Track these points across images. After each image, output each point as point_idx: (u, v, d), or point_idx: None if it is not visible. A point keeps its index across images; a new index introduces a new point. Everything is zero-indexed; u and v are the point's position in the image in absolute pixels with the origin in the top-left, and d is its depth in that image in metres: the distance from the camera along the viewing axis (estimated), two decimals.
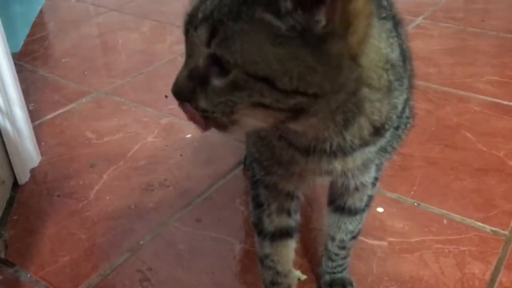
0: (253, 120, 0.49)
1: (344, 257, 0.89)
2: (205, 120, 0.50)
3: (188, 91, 0.47)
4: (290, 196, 0.75)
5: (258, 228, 0.80)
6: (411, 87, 0.63)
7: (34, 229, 1.09)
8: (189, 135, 1.40)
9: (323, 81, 0.45)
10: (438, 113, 1.45)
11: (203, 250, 1.04)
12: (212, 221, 1.11)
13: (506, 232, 1.04)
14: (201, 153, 1.33)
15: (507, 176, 1.19)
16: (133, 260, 1.01)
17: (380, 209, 1.11)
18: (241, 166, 1.26)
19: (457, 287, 0.93)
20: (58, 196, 1.19)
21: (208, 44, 0.44)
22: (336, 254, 0.88)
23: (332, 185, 0.80)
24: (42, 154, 1.32)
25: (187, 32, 0.47)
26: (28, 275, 0.98)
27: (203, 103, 0.48)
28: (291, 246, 0.81)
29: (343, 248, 0.87)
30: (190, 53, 0.47)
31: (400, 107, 0.59)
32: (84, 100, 1.57)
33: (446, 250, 1.00)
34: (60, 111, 1.52)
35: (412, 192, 1.16)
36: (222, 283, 0.96)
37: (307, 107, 0.48)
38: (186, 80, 0.47)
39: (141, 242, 1.05)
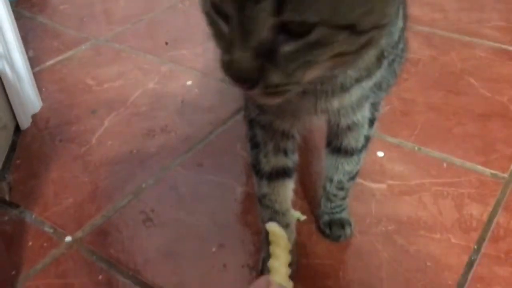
0: (318, 73, 0.45)
1: (343, 198, 0.90)
2: (275, 95, 0.44)
3: (256, 71, 0.41)
4: (286, 135, 0.76)
5: (255, 168, 0.81)
6: (405, 16, 0.62)
7: (37, 172, 1.10)
8: (189, 82, 1.39)
9: (391, 9, 0.44)
10: (442, 59, 1.43)
11: (204, 193, 1.05)
12: (214, 165, 1.12)
13: (506, 175, 1.05)
14: (202, 99, 1.33)
15: (510, 121, 1.19)
16: (136, 202, 1.03)
17: (380, 154, 1.11)
18: (242, 112, 1.26)
19: (455, 227, 0.94)
20: (60, 141, 1.19)
21: (279, 13, 0.39)
22: (335, 195, 0.89)
23: (329, 126, 0.80)
24: (43, 100, 1.31)
25: (240, 9, 0.40)
26: (33, 216, 1.00)
27: (276, 78, 0.42)
28: (289, 186, 0.82)
29: (342, 189, 0.87)
30: (246, 29, 0.40)
31: (395, 35, 0.58)
32: (83, 47, 1.55)
33: (445, 192, 1.01)
34: (60, 58, 1.50)
35: (413, 137, 1.16)
36: (223, 224, 0.98)
37: (376, 41, 0.46)
38: (250, 60, 0.40)
39: (143, 186, 1.07)
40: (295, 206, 0.97)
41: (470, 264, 0.88)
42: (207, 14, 0.46)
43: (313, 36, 0.40)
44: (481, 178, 1.04)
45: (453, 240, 0.92)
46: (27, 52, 1.30)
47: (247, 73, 0.41)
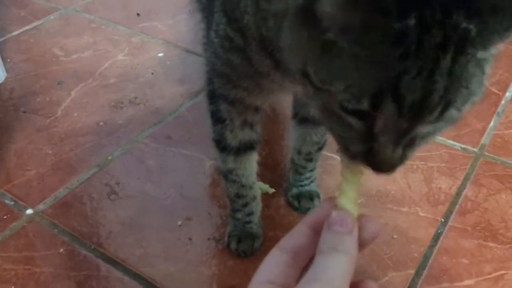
0: None
1: (312, 170, 0.89)
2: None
3: (401, 159, 0.43)
4: (257, 110, 0.73)
5: (220, 145, 0.78)
6: None
7: None
8: (161, 54, 1.35)
9: None
10: None
11: (172, 166, 1.03)
12: (183, 138, 1.09)
13: (476, 149, 1.04)
14: (174, 72, 1.29)
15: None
16: (101, 174, 1.00)
17: None
18: (205, 91, 1.23)
19: (423, 201, 0.94)
20: (24, 112, 1.15)
21: (442, 115, 0.39)
22: (304, 167, 0.88)
23: (295, 97, 0.78)
24: (7, 70, 1.27)
25: (402, 118, 0.39)
26: None
27: (411, 155, 0.44)
28: (254, 159, 0.80)
29: (310, 160, 0.86)
30: (403, 135, 0.40)
31: None
32: (52, 17, 1.50)
33: (415, 166, 1.01)
34: (27, 27, 1.45)
35: None
36: (191, 197, 0.96)
37: None
38: (399, 154, 0.42)
39: (109, 158, 1.04)
40: (263, 179, 0.96)
41: (436, 237, 0.87)
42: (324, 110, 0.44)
43: (457, 117, 0.41)
44: (452, 152, 1.04)
45: (420, 213, 0.92)
46: None
47: (395, 164, 0.42)
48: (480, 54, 0.37)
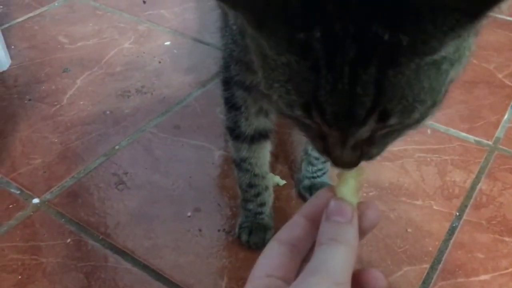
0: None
1: (324, 161, 0.87)
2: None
3: (356, 158, 0.41)
4: None
5: (234, 132, 0.76)
6: None
7: (4, 131, 1.04)
8: (168, 42, 1.33)
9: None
10: None
11: (181, 156, 1.01)
12: (191, 128, 1.07)
13: (490, 142, 1.02)
14: (181, 60, 1.27)
15: (496, 89, 1.16)
16: (108, 164, 0.98)
17: None
18: (220, 77, 1.21)
19: (437, 194, 0.92)
20: (30, 100, 1.13)
21: (382, 123, 0.38)
22: (317, 158, 0.86)
23: None
24: (11, 57, 1.24)
25: (339, 130, 0.39)
26: None
27: (373, 152, 0.43)
28: (268, 148, 0.78)
29: None
30: (346, 139, 0.40)
31: None
32: (56, 4, 1.47)
33: (428, 159, 0.99)
34: (31, 14, 1.42)
35: None
36: (200, 187, 0.94)
37: None
38: (351, 153, 0.41)
39: (116, 147, 1.02)
40: (274, 171, 0.95)
41: (451, 231, 0.86)
42: (281, 113, 0.43)
43: (413, 121, 0.39)
44: (465, 145, 1.02)
45: (435, 207, 0.90)
46: None
47: (350, 162, 0.41)
48: (425, 60, 0.35)
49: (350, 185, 0.41)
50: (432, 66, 0.35)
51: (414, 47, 0.34)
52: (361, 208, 0.40)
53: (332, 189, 0.41)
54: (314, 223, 0.40)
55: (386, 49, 0.34)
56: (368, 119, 0.36)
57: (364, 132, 0.38)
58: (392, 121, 0.37)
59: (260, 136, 0.76)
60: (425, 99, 0.36)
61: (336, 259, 0.37)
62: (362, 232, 0.40)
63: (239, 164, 0.80)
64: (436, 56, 0.35)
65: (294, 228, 0.41)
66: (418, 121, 0.39)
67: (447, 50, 0.35)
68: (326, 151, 0.41)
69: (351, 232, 0.39)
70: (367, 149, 0.40)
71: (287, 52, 0.36)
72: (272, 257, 0.40)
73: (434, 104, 0.38)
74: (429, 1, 0.33)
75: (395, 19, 0.33)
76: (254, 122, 0.74)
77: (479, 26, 0.39)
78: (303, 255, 0.40)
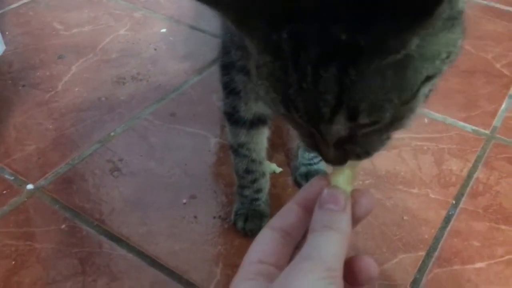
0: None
1: None
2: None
3: (341, 157, 0.41)
4: None
5: (233, 117, 0.75)
6: None
7: None
8: (164, 30, 1.31)
9: None
10: None
11: (176, 143, 1.00)
12: (187, 115, 1.07)
13: (487, 131, 1.02)
14: (177, 48, 1.26)
15: (493, 78, 1.16)
16: (103, 150, 0.98)
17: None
18: (219, 62, 1.20)
19: (434, 182, 0.92)
20: (24, 86, 1.12)
21: (353, 120, 0.38)
22: None
23: None
24: (6, 43, 1.23)
25: (315, 127, 0.39)
26: None
27: (359, 151, 0.42)
28: (266, 134, 0.78)
29: None
30: (324, 137, 0.40)
31: None
32: None
33: (425, 148, 0.99)
34: (25, 0, 1.41)
35: None
36: (195, 175, 0.93)
37: None
38: (334, 152, 0.41)
39: (111, 134, 1.01)
40: (271, 158, 0.94)
41: (447, 219, 0.86)
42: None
43: (384, 121, 0.38)
44: (462, 133, 1.02)
45: (431, 195, 0.90)
46: None
47: (337, 160, 0.41)
48: (386, 59, 0.35)
49: (345, 174, 0.42)
50: (395, 65, 0.35)
51: (372, 48, 0.34)
52: (355, 195, 0.40)
53: (326, 177, 0.42)
54: (308, 211, 0.41)
55: (345, 49, 0.34)
56: (335, 117, 0.36)
57: (339, 130, 0.38)
58: (363, 119, 0.37)
59: (258, 121, 0.75)
60: (391, 97, 0.36)
61: (329, 246, 0.37)
62: (356, 220, 0.40)
63: (237, 149, 0.79)
64: (398, 56, 0.35)
65: (287, 215, 0.41)
66: (397, 120, 0.39)
67: (409, 48, 0.35)
68: (315, 148, 0.42)
69: (344, 219, 0.39)
70: (351, 148, 0.40)
71: (264, 52, 0.38)
72: (265, 243, 0.40)
73: (407, 102, 0.38)
74: (385, 2, 0.33)
75: (354, 20, 0.34)
76: (253, 107, 0.73)
77: (456, 12, 0.39)
78: (296, 242, 0.41)
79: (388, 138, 0.43)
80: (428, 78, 0.38)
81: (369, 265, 0.41)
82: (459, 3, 0.40)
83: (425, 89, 0.39)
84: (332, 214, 0.39)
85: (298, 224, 0.41)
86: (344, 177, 0.41)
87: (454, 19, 0.39)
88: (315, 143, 0.41)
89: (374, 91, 0.36)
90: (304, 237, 0.40)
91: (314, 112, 0.37)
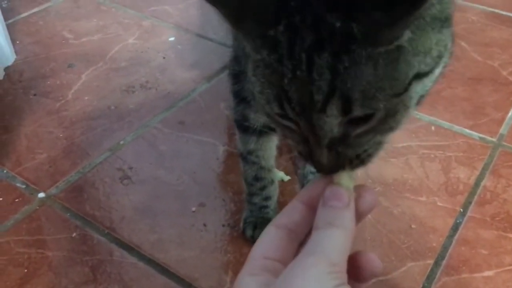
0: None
1: None
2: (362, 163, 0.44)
3: (334, 160, 0.42)
4: None
5: (243, 125, 0.77)
6: None
7: (9, 126, 1.05)
8: (172, 38, 1.33)
9: None
10: None
11: (185, 151, 1.01)
12: (196, 123, 1.08)
13: (494, 139, 1.03)
14: (185, 56, 1.27)
15: (500, 86, 1.16)
16: (113, 159, 0.99)
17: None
18: (227, 71, 1.21)
19: (441, 190, 0.92)
20: (35, 95, 1.13)
21: (346, 113, 0.38)
22: None
23: None
24: (16, 53, 1.25)
25: (307, 120, 0.40)
26: (5, 171, 0.95)
27: (352, 153, 0.42)
28: (275, 141, 0.79)
29: None
30: (317, 133, 0.40)
31: None
32: None
33: (432, 155, 0.99)
34: (36, 9, 1.43)
35: None
36: (204, 183, 0.94)
37: None
38: (327, 154, 0.41)
39: (121, 142, 1.02)
40: (279, 166, 0.95)
41: (455, 227, 0.86)
42: (269, 116, 0.45)
43: (378, 116, 0.39)
44: (469, 141, 1.02)
45: (439, 203, 0.90)
46: (0, 3, 1.23)
47: (330, 166, 0.42)
48: (378, 48, 0.36)
49: (347, 171, 0.42)
50: (386, 54, 0.37)
51: (365, 36, 0.36)
52: (358, 191, 0.41)
53: (328, 175, 0.42)
54: (311, 209, 0.41)
55: (339, 36, 0.36)
56: (328, 106, 0.37)
57: (332, 124, 0.38)
58: (356, 111, 0.37)
59: (268, 129, 0.76)
60: (383, 86, 0.37)
61: (332, 242, 0.38)
62: (360, 215, 0.41)
63: (246, 157, 0.80)
64: (390, 46, 0.37)
65: (291, 213, 0.42)
66: (390, 115, 0.39)
67: (401, 40, 0.37)
68: (308, 155, 0.42)
69: (348, 216, 0.40)
70: (344, 151, 0.41)
71: (261, 48, 0.39)
72: (270, 240, 0.41)
73: (398, 94, 0.38)
74: None
75: (348, 9, 0.35)
76: (263, 116, 0.74)
77: (444, 17, 0.40)
78: (300, 239, 0.41)
79: (382, 142, 0.43)
80: (420, 75, 0.39)
81: (373, 261, 0.41)
82: (447, 8, 0.41)
83: (417, 87, 0.40)
84: (335, 211, 0.39)
85: (302, 222, 0.41)
86: (346, 175, 0.42)
87: (443, 21, 0.40)
88: (308, 149, 0.42)
89: (366, 79, 0.37)
90: (308, 234, 0.41)
91: (307, 101, 0.38)
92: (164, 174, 0.96)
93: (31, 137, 1.03)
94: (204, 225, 0.87)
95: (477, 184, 0.93)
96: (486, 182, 0.94)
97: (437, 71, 0.42)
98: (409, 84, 0.39)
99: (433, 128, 1.05)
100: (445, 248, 0.83)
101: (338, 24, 0.35)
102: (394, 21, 0.35)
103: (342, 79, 0.36)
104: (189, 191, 0.93)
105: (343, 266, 0.37)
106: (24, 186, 0.93)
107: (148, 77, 1.20)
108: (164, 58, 1.26)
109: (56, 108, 1.10)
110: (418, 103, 0.42)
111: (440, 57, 0.41)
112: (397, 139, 1.03)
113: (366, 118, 0.39)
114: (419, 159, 0.98)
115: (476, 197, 0.91)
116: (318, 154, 0.41)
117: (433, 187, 0.93)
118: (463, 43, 1.30)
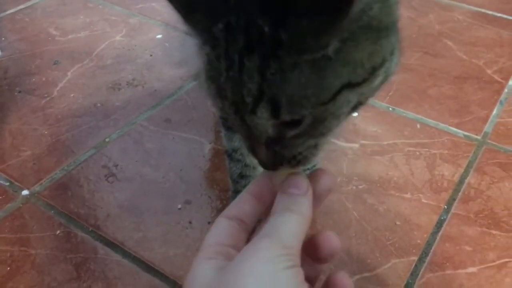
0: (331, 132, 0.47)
1: None
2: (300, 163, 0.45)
3: (273, 157, 0.43)
4: None
5: (227, 122, 0.77)
6: None
7: None
8: (159, 36, 1.32)
9: None
10: (420, 21, 1.40)
11: (171, 149, 1.01)
12: (182, 121, 1.07)
13: (479, 137, 1.03)
14: (173, 54, 1.27)
15: (485, 84, 1.17)
16: (98, 156, 0.98)
17: (354, 113, 1.08)
18: None
19: (426, 187, 0.93)
20: (20, 92, 1.12)
21: (276, 116, 0.39)
22: None
23: None
24: (2, 49, 1.24)
25: (241, 119, 0.41)
26: None
27: (288, 154, 0.43)
28: None
29: None
30: (253, 132, 0.42)
31: None
32: None
33: (418, 153, 1.00)
34: (22, 6, 1.41)
35: (388, 98, 1.13)
36: (190, 180, 0.94)
37: None
38: (265, 152, 0.43)
39: (107, 140, 1.02)
40: None
41: (439, 224, 0.87)
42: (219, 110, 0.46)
43: (307, 121, 0.40)
44: (454, 139, 1.03)
45: (423, 200, 0.91)
46: None
47: (270, 163, 0.43)
48: (304, 57, 0.37)
49: (288, 168, 0.44)
50: (312, 63, 0.37)
51: (291, 43, 0.36)
52: (316, 174, 0.43)
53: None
54: (260, 201, 0.44)
55: (267, 41, 0.36)
56: (258, 108, 0.38)
57: (264, 125, 0.39)
58: (284, 115, 0.38)
59: None
60: (308, 94, 0.38)
61: (288, 226, 0.39)
62: (318, 198, 0.43)
63: (231, 154, 0.80)
64: (317, 55, 0.37)
65: (241, 204, 0.44)
66: (318, 122, 0.40)
67: (328, 49, 0.37)
68: (252, 150, 0.44)
69: (305, 203, 0.41)
70: (280, 150, 0.42)
71: (205, 44, 0.40)
72: (222, 229, 0.42)
73: (325, 103, 0.39)
74: (306, 1, 0.35)
75: (278, 14, 0.36)
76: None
77: (383, 27, 0.40)
78: (251, 229, 0.43)
79: (317, 146, 0.44)
80: (351, 85, 0.39)
81: (330, 239, 0.43)
82: (387, 17, 0.41)
83: (349, 96, 0.40)
84: (293, 197, 0.41)
85: (251, 213, 0.43)
86: (288, 172, 0.43)
87: (380, 31, 0.40)
88: (251, 145, 0.43)
89: (292, 86, 0.37)
90: (258, 224, 0.44)
91: (239, 102, 0.39)
92: (150, 171, 0.96)
93: (15, 134, 1.02)
94: (190, 222, 0.87)
95: (461, 181, 0.94)
96: (471, 179, 0.94)
97: (378, 80, 0.42)
98: (338, 93, 0.39)
99: (418, 126, 1.06)
100: (429, 244, 0.83)
101: (267, 30, 0.36)
102: (318, 30, 0.35)
103: (269, 84, 0.37)
104: (175, 188, 0.93)
105: (297, 249, 0.39)
106: (7, 184, 0.92)
107: (134, 74, 1.19)
108: (151, 55, 1.25)
109: (41, 105, 1.09)
110: (355, 108, 0.43)
111: (375, 68, 0.40)
112: (383, 136, 1.03)
113: (296, 123, 0.40)
114: (404, 156, 0.99)
115: (460, 194, 0.92)
116: (258, 151, 0.43)
117: (418, 184, 0.93)
118: (449, 42, 1.31)
